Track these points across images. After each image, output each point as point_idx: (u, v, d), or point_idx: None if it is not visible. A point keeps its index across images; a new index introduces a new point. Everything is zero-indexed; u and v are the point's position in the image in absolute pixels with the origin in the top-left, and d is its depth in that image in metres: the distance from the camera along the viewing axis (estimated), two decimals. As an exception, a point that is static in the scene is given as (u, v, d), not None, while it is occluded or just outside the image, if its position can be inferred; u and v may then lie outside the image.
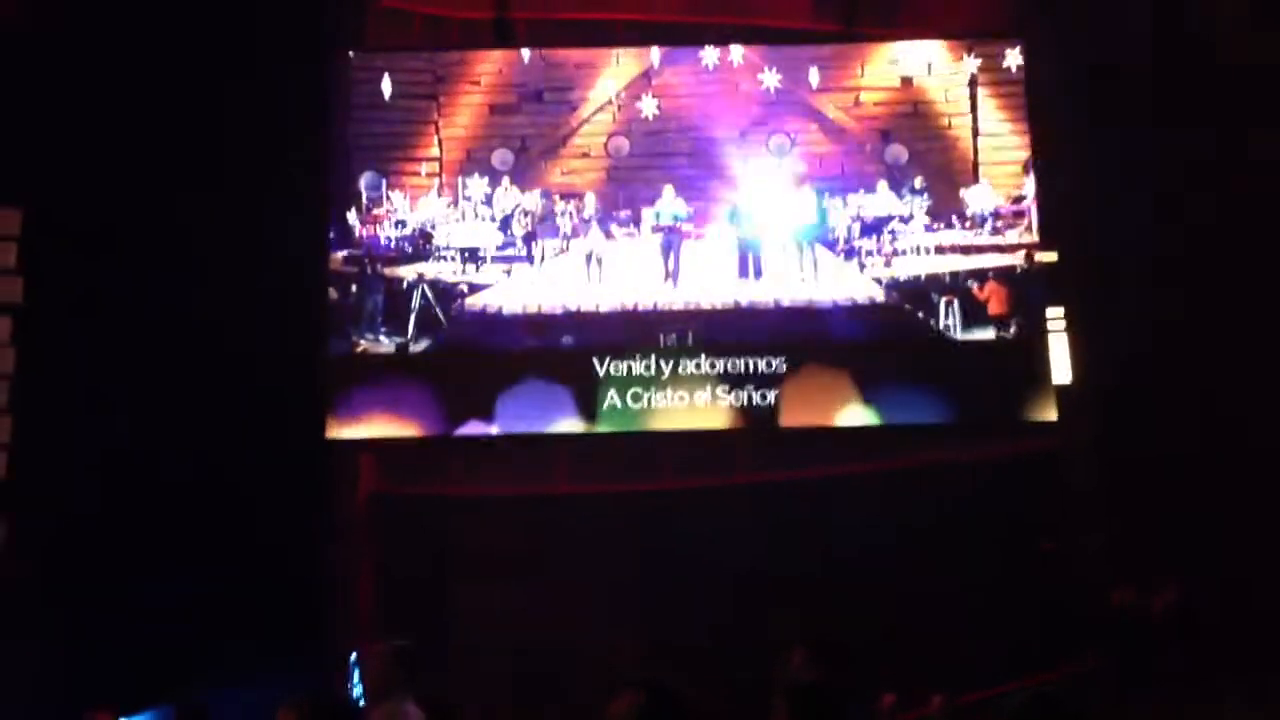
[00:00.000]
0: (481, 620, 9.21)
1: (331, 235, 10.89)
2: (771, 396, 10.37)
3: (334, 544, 9.38)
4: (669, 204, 11.12)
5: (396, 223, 11.07)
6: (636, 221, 11.04)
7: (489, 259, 11.02)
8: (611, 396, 10.44)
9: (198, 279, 8.98)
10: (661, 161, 11.19)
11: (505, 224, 11.09)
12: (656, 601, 9.19)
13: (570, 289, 10.93)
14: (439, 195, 11.11)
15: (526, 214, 11.06)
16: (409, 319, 10.80)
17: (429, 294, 10.90)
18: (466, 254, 11.01)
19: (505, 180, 11.15)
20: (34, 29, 8.54)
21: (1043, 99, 10.26)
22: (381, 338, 10.73)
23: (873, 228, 10.97)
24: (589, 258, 10.96)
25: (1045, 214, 10.45)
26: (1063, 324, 10.01)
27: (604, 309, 10.88)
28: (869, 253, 10.92)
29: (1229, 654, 7.63)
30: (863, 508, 9.43)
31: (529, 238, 11.06)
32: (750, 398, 10.37)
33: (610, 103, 11.30)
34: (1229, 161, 9.08)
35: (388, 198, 11.07)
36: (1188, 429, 8.88)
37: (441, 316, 10.80)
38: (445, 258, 11.02)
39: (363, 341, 10.68)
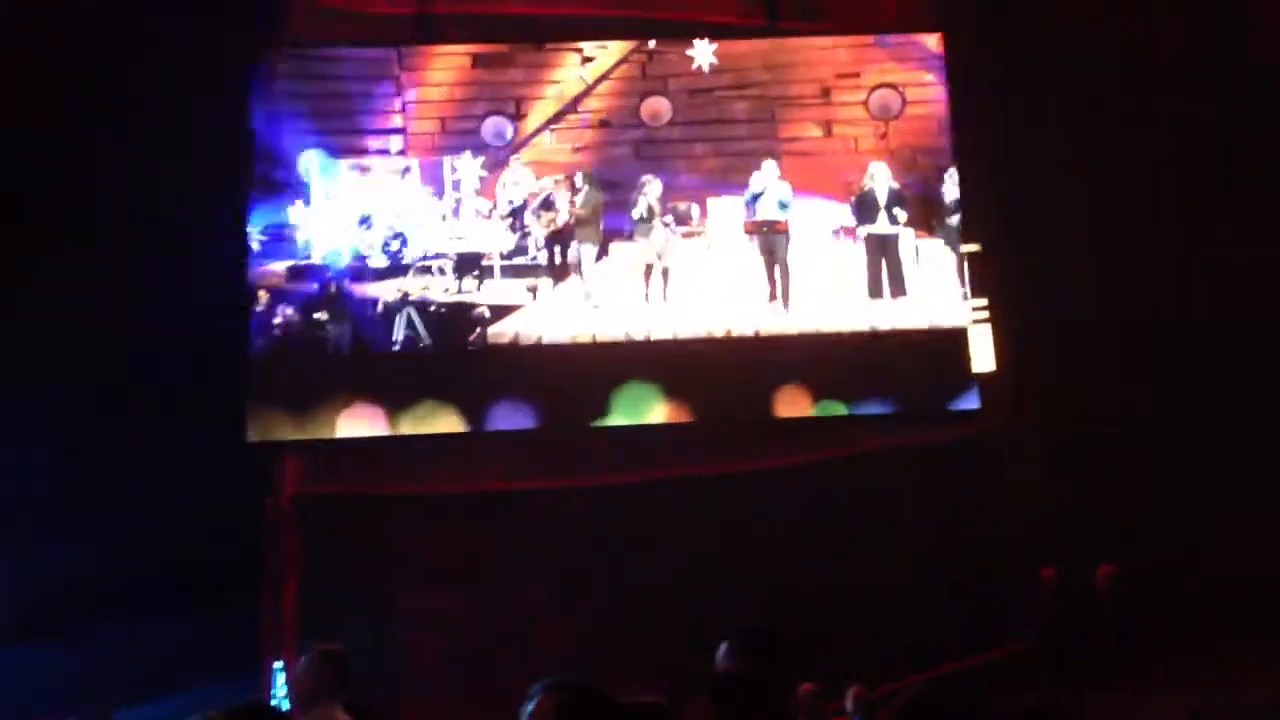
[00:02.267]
0: (418, 621, 8.65)
1: (265, 239, 7.99)
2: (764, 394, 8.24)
3: (261, 548, 8.69)
4: (769, 183, 8.12)
5: (361, 219, 8.05)
6: (698, 215, 8.19)
7: (496, 270, 8.08)
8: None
9: (121, 289, 8.11)
10: (711, 131, 8.35)
11: (517, 220, 8.10)
12: (598, 596, 8.66)
13: (630, 310, 8.09)
14: (414, 180, 8.12)
15: (550, 205, 8.06)
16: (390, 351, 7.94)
17: (417, 320, 7.93)
18: (463, 263, 8.05)
19: (514, 161, 8.15)
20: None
21: (966, 91, 9.26)
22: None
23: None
24: (649, 267, 8.01)
25: (968, 205, 8.73)
26: (985, 314, 9.07)
27: (683, 335, 8.07)
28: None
29: (1161, 633, 7.60)
30: (798, 497, 8.67)
31: (554, 240, 8.06)
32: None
33: (639, 49, 8.43)
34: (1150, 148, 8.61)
35: (342, 185, 8.06)
36: (1117, 411, 8.53)
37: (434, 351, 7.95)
38: (432, 270, 8.05)
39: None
